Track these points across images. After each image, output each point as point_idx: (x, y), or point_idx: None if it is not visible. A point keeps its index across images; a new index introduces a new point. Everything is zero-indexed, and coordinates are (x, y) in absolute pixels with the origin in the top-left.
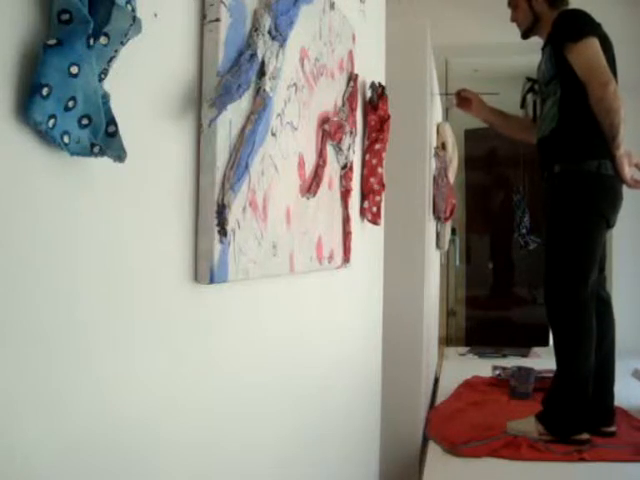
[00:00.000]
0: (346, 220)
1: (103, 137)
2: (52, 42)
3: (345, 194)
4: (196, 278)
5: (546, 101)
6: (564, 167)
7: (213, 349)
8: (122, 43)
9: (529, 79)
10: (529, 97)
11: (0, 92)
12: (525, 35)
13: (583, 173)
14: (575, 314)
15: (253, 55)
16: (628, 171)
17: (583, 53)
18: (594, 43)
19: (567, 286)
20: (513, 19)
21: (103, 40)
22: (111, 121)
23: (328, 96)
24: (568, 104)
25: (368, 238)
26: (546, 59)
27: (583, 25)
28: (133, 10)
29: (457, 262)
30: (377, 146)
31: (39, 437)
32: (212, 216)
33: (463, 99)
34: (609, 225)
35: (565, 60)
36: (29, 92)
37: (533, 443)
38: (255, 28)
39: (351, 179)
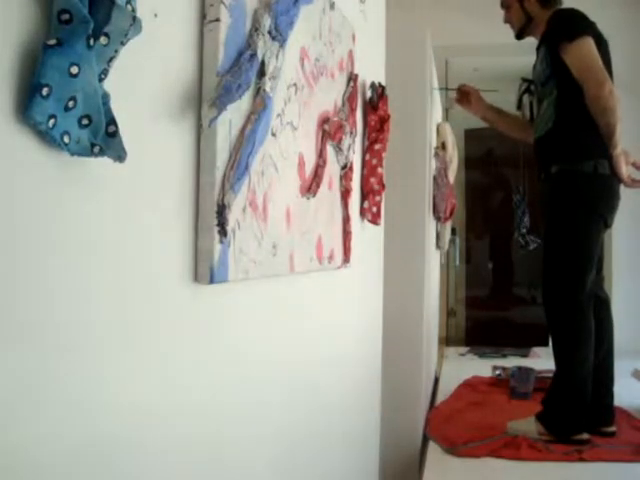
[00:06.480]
0: (346, 220)
1: (103, 137)
2: (52, 42)
3: (345, 194)
4: (196, 278)
5: (542, 101)
6: (561, 167)
7: (213, 348)
8: (122, 43)
9: (525, 80)
10: (525, 98)
11: (0, 92)
12: (519, 36)
13: (580, 173)
14: (573, 314)
15: (253, 55)
16: (625, 170)
17: (578, 52)
18: (589, 42)
19: (565, 286)
20: (506, 20)
21: (103, 40)
22: (111, 121)
23: (328, 96)
24: (565, 104)
25: (368, 238)
26: (541, 59)
27: (578, 24)
28: (133, 10)
29: (457, 262)
30: (377, 146)
31: (48, 434)
32: (212, 216)
33: (463, 94)
34: (607, 225)
35: (561, 60)
36: (29, 92)
37: (533, 443)
38: (255, 28)
39: (351, 179)
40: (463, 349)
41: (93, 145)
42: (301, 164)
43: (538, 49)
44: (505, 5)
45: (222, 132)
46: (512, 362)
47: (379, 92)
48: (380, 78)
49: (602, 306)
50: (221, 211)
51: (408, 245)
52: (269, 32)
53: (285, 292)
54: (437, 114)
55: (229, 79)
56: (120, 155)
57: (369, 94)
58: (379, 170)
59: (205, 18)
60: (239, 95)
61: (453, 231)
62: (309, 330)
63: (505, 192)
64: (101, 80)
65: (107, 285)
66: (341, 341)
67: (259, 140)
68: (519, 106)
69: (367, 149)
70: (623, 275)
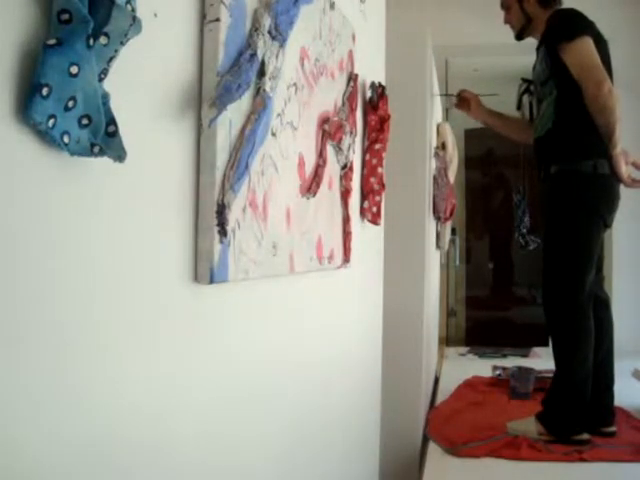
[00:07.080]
0: (346, 220)
1: (103, 137)
2: (52, 42)
3: (345, 194)
4: (196, 278)
5: (542, 102)
6: (561, 167)
7: (213, 349)
8: (122, 43)
9: (524, 80)
10: (525, 98)
11: (0, 92)
12: (519, 37)
13: (580, 173)
14: (573, 314)
15: (253, 55)
16: (625, 170)
17: (577, 52)
18: (588, 42)
19: (565, 286)
20: (506, 21)
21: (103, 40)
22: (111, 121)
23: (328, 96)
24: (564, 104)
25: (368, 238)
26: (541, 59)
27: (577, 24)
28: (133, 10)
29: (457, 262)
30: (377, 146)
31: (48, 434)
32: (212, 216)
33: (462, 99)
34: (606, 225)
35: (560, 60)
36: (29, 92)
37: (533, 443)
38: (255, 28)
39: (351, 179)
40: (463, 349)
41: (93, 145)
42: (301, 164)
43: (538, 49)
44: (505, 6)
45: (222, 132)
46: (512, 362)
47: (379, 92)
48: (380, 78)
49: (602, 306)
50: (221, 211)
51: (408, 245)
52: (269, 32)
53: (285, 292)
54: (437, 114)
55: (229, 79)
56: (120, 155)
57: (369, 94)
58: (379, 170)
59: (205, 18)
60: (239, 95)
61: (453, 231)
62: (309, 330)
63: (505, 192)
64: (101, 80)
65: (107, 285)
66: (341, 341)
67: (259, 140)
68: (519, 106)
69: (367, 149)
70: (623, 275)
